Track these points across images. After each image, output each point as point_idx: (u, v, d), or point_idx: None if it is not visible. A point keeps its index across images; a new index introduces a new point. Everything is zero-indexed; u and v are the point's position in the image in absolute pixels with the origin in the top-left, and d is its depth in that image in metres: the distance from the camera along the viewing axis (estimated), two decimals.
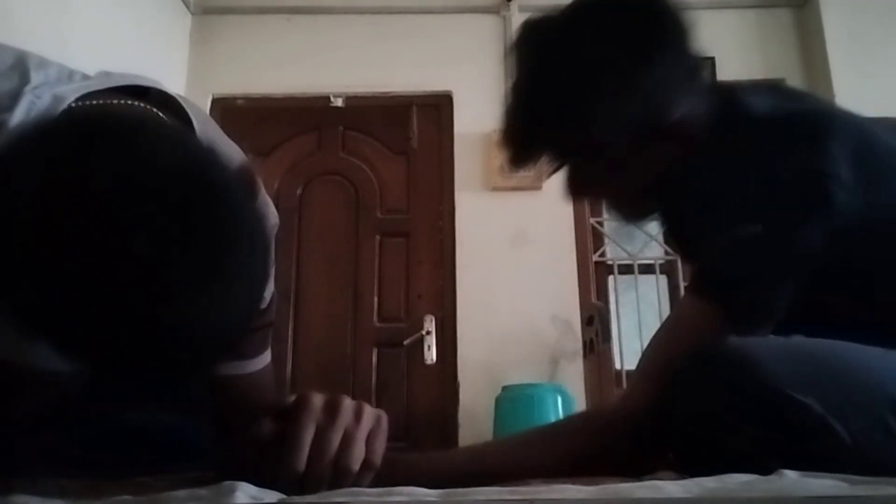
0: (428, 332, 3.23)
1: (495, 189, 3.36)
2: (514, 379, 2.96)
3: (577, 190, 0.98)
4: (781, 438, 0.69)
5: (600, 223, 3.43)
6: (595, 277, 3.34)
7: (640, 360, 0.91)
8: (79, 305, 0.48)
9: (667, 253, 3.38)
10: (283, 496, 0.54)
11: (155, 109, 0.72)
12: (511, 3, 3.58)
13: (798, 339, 0.78)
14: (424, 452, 0.76)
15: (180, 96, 0.77)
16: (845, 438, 0.70)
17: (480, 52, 3.57)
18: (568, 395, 2.86)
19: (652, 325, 3.25)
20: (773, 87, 1.02)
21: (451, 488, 0.55)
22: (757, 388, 0.71)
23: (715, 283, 0.85)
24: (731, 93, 0.94)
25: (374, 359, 3.25)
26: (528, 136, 0.93)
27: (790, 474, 0.59)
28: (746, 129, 0.89)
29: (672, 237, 1.13)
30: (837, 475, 0.56)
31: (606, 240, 3.42)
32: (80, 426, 0.90)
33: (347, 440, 0.64)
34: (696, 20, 0.89)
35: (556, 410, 2.75)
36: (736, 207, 0.85)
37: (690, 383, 0.75)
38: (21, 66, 0.71)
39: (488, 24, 3.62)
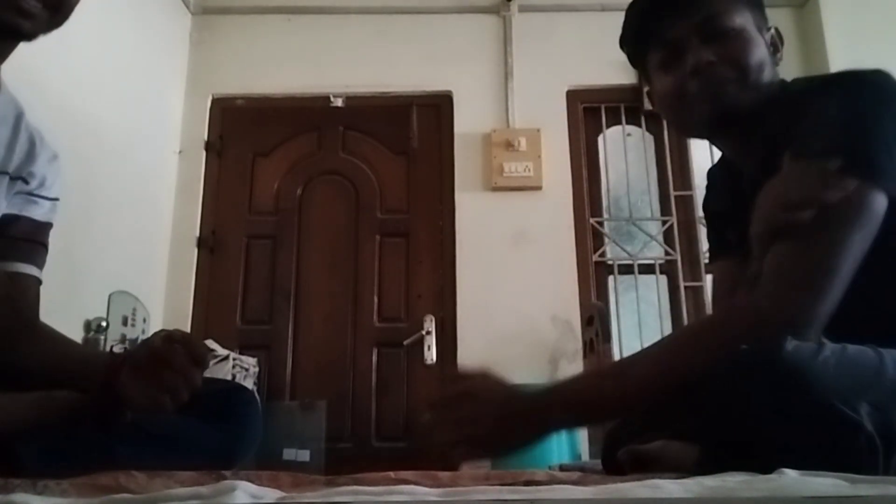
0: (428, 332, 3.23)
1: (495, 189, 3.36)
2: (514, 379, 2.92)
3: None
4: (827, 453, 0.67)
5: (600, 223, 3.43)
6: (595, 277, 3.34)
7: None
8: None
9: (667, 253, 3.38)
10: (283, 494, 0.54)
11: None
12: (511, 3, 3.58)
13: (856, 349, 0.76)
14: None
15: None
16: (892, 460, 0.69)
17: (480, 52, 3.57)
18: None
19: (652, 325, 3.25)
20: None
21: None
22: (808, 400, 0.70)
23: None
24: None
25: (374, 359, 3.24)
26: None
27: (790, 473, 0.58)
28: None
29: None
30: (839, 474, 0.56)
31: (606, 240, 3.42)
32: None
33: None
34: None
35: None
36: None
37: (742, 385, 0.74)
38: None
39: (488, 24, 3.62)
